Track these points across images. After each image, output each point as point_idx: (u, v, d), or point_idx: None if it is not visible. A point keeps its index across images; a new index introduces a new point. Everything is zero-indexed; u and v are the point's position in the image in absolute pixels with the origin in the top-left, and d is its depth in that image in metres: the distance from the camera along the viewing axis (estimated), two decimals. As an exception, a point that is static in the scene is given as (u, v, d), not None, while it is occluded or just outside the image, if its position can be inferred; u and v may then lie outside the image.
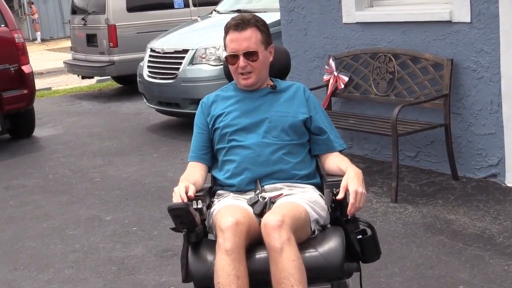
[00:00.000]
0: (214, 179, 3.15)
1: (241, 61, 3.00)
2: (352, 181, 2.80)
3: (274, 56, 3.14)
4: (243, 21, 3.00)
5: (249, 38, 2.99)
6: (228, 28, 3.04)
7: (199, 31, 8.66)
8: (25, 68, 7.98)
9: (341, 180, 2.84)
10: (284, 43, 6.65)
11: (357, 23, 5.99)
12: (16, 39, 7.95)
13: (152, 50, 8.31)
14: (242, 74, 3.03)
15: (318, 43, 6.38)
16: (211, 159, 3.14)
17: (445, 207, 4.79)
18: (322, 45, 6.34)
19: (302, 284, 2.59)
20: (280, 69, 3.24)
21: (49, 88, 13.21)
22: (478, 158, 5.27)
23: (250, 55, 3.00)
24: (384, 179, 5.49)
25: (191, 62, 7.69)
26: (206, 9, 10.43)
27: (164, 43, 8.28)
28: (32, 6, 27.63)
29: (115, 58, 10.74)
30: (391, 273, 3.86)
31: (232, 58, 3.02)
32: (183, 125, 8.15)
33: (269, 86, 3.12)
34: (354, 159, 5.81)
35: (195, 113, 3.22)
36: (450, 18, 5.21)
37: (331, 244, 2.76)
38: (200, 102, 3.20)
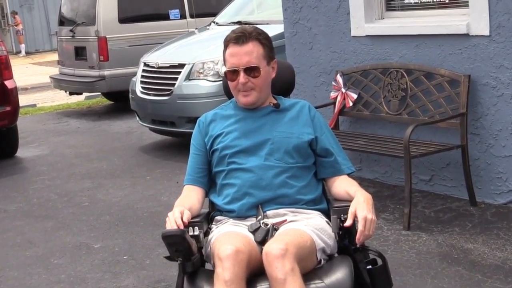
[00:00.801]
0: (212, 204, 3.16)
1: (242, 77, 3.01)
2: (361, 206, 2.80)
3: (277, 72, 3.15)
4: (244, 34, 3.02)
5: (250, 53, 3.01)
6: (228, 42, 3.06)
7: (197, 44, 8.70)
8: (8, 83, 8.01)
9: (349, 206, 2.84)
10: (288, 57, 6.68)
11: (366, 36, 6.03)
12: (-2, 52, 7.99)
13: (145, 65, 8.35)
14: (242, 91, 3.05)
15: (325, 58, 6.41)
16: (209, 182, 3.15)
17: (462, 235, 4.78)
18: (329, 60, 6.37)
19: (307, 318, 2.59)
20: (283, 85, 3.26)
21: (34, 105, 13.26)
22: (497, 182, 5.27)
23: (251, 70, 3.02)
24: (396, 205, 5.49)
25: (188, 77, 7.72)
26: (204, 20, 10.49)
27: (159, 57, 8.32)
28: (16, 16, 27.81)
29: (106, 73, 10.79)
30: (404, 307, 3.85)
31: (231, 73, 3.04)
32: (178, 146, 8.16)
33: (271, 104, 3.13)
34: (363, 182, 5.81)
35: (191, 132, 3.23)
36: (467, 31, 5.24)
37: (339, 275, 2.76)
38: (198, 120, 3.22)
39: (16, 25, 27.73)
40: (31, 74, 19.20)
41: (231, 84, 3.07)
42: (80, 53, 11.31)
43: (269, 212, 2.96)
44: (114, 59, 10.79)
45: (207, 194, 3.15)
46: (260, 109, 3.12)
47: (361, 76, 6.06)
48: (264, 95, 3.10)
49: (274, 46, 3.15)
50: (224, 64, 3.10)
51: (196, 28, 9.88)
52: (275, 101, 3.15)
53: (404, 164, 5.05)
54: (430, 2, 5.72)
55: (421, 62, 5.60)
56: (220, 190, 3.08)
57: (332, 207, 2.95)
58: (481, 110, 5.26)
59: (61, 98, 13.82)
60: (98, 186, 6.87)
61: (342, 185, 3.06)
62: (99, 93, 12.13)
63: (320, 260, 2.87)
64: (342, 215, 2.85)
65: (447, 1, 5.60)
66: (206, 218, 3.08)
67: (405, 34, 5.72)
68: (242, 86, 3.03)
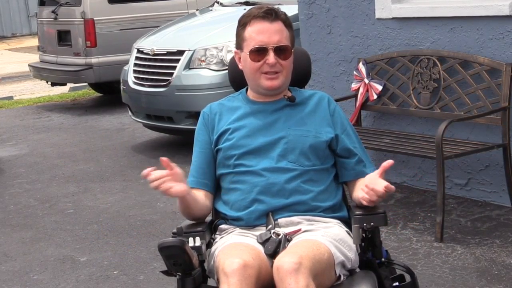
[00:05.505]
0: (216, 211, 3.17)
1: (271, 57, 3.00)
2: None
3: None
4: (274, 10, 3.05)
5: (281, 32, 3.04)
6: (251, 18, 3.05)
7: (198, 27, 8.71)
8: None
9: (372, 214, 2.86)
10: (302, 43, 6.70)
11: (393, 18, 6.03)
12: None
13: (139, 51, 8.37)
14: (267, 73, 3.04)
15: (345, 44, 6.42)
16: (216, 186, 3.15)
17: (503, 248, 4.78)
18: (350, 46, 6.38)
19: None
20: (297, 75, 3.24)
21: (11, 97, 13.30)
22: (544, 187, 5.27)
23: (282, 51, 3.02)
24: (426, 213, 5.49)
25: (188, 66, 7.73)
26: (206, 0, 10.49)
27: (154, 43, 8.33)
28: (-11, -5, 27.79)
29: (93, 60, 10.80)
30: (436, 330, 3.86)
31: (257, 53, 3.03)
32: (177, 144, 8.18)
33: (286, 97, 3.13)
34: (389, 187, 5.81)
35: (191, 129, 3.25)
36: (510, 12, 5.23)
37: (361, 293, 2.78)
38: (202, 112, 3.22)
39: (-11, 6, 27.77)
40: (7, 61, 19.24)
41: (253, 66, 3.05)
42: (63, 37, 11.33)
43: (280, 220, 2.97)
44: (103, 45, 10.80)
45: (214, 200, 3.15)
46: (273, 102, 3.12)
47: (387, 64, 6.06)
48: (288, 82, 3.12)
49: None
50: (239, 46, 3.09)
51: (197, 9, 9.89)
52: (289, 94, 3.15)
53: (437, 166, 5.05)
54: (467, -21, 5.73)
55: (456, 48, 5.60)
56: (225, 195, 3.10)
57: (354, 215, 2.96)
58: (526, 104, 5.27)
59: (41, 90, 13.85)
60: (85, 190, 6.89)
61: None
62: (86, 84, 12.14)
63: (339, 275, 2.88)
64: (365, 224, 2.87)
65: (486, -22, 5.61)
66: (209, 227, 3.10)
67: (438, 16, 5.72)
68: (270, 67, 3.02)
